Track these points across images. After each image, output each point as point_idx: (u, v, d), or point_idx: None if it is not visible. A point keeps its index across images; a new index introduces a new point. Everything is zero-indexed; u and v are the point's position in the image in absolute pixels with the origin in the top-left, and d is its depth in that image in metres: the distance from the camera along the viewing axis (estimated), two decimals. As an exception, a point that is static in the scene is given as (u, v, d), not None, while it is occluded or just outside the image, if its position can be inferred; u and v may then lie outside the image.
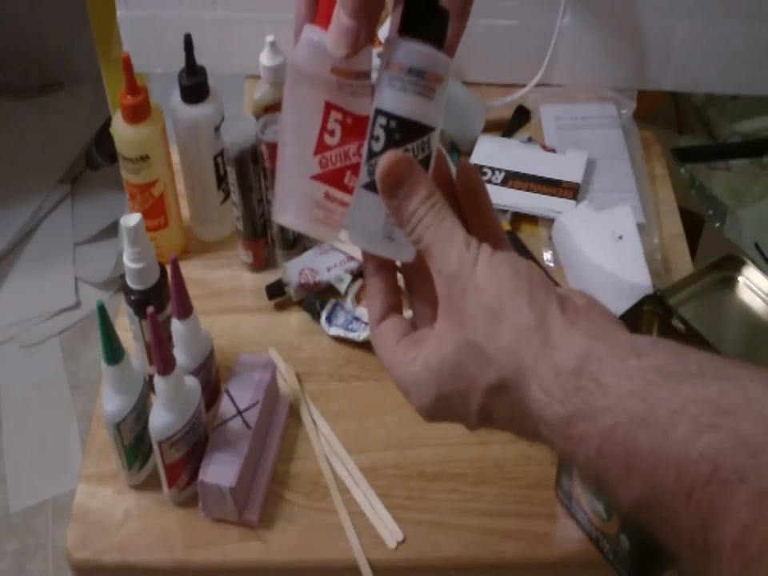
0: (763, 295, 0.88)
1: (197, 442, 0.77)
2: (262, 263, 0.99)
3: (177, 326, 0.78)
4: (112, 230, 2.04)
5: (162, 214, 0.95)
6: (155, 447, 0.75)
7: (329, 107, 0.49)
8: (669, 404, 0.39)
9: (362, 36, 0.46)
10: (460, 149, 1.10)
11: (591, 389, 0.41)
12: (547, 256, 1.00)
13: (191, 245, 1.02)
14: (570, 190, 1.03)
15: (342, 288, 0.94)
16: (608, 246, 0.95)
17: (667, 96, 1.41)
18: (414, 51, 0.46)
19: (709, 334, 0.81)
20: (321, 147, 0.49)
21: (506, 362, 0.44)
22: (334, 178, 0.49)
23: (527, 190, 1.04)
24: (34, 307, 1.97)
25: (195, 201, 1.00)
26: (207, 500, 0.77)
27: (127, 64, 0.86)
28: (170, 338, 0.79)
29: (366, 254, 0.51)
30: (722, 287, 0.89)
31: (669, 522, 0.39)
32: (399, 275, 0.52)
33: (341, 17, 0.46)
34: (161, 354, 0.71)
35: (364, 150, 0.48)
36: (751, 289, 0.89)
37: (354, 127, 0.49)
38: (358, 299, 0.94)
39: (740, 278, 0.90)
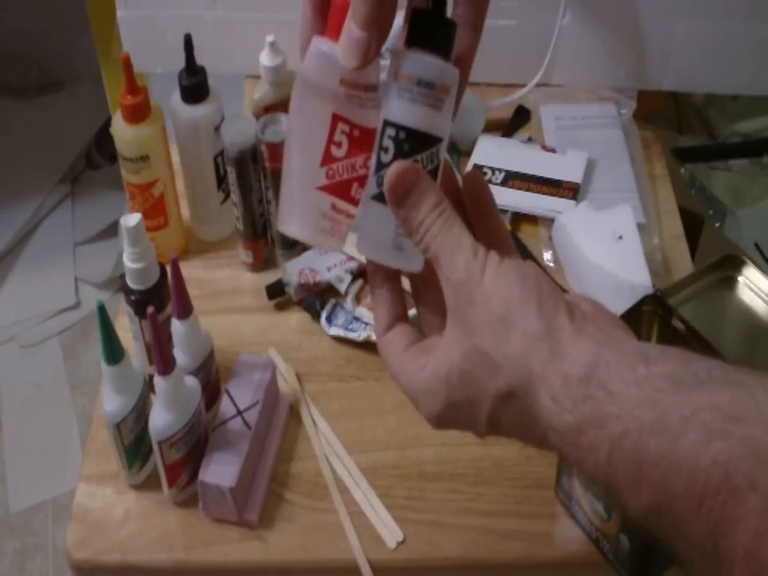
0: (763, 295, 0.88)
1: (197, 441, 0.77)
2: (261, 263, 0.99)
3: (177, 326, 0.78)
4: (112, 229, 2.04)
5: (162, 214, 0.95)
6: (155, 447, 0.75)
7: (336, 119, 0.49)
8: (679, 411, 0.39)
9: (373, 48, 0.46)
10: (460, 149, 1.10)
11: (600, 397, 0.41)
12: (547, 256, 1.00)
13: (191, 245, 1.02)
14: (570, 190, 1.03)
15: (342, 288, 0.94)
16: (608, 245, 0.95)
17: (667, 96, 1.41)
18: (423, 63, 0.46)
19: (709, 334, 0.81)
20: (327, 159, 0.49)
21: (515, 370, 0.44)
22: (340, 190, 0.50)
23: (527, 190, 1.04)
24: (34, 307, 1.97)
25: (195, 201, 1.00)
26: (207, 500, 0.77)
27: (127, 64, 0.86)
28: (169, 337, 0.79)
29: (372, 265, 0.51)
30: (722, 287, 0.89)
31: (679, 528, 0.39)
32: (405, 279, 0.53)
33: (352, 28, 0.45)
34: (161, 354, 0.71)
35: (372, 161, 0.48)
36: (751, 289, 0.89)
37: (361, 140, 0.49)
38: (358, 299, 0.94)
39: (740, 278, 0.89)
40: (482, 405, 0.46)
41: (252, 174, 0.92)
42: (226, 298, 0.97)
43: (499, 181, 1.05)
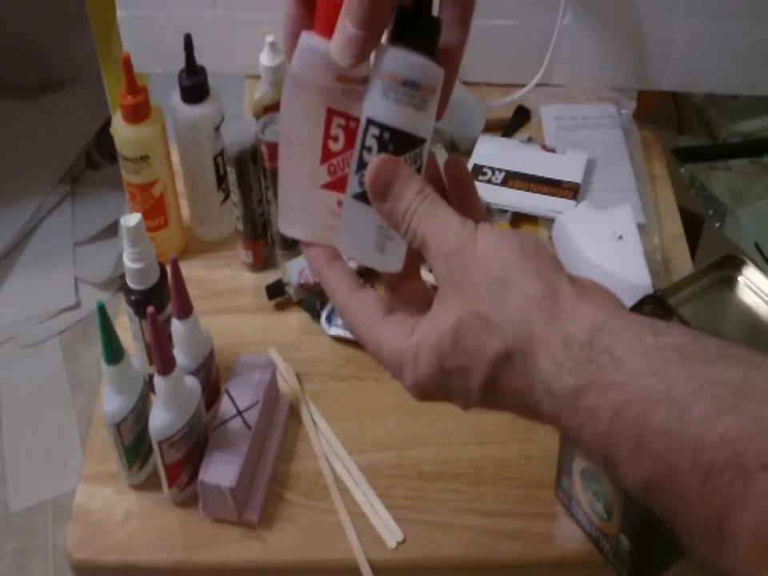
0: (763, 295, 0.88)
1: (197, 441, 0.77)
2: (261, 263, 0.99)
3: (177, 326, 0.78)
4: (112, 229, 2.04)
5: (162, 214, 0.95)
6: (155, 447, 0.75)
7: (331, 113, 0.48)
8: (687, 384, 0.38)
9: (369, 46, 0.45)
10: (460, 149, 1.10)
11: (604, 362, 0.40)
12: (547, 256, 1.00)
13: (191, 245, 1.02)
14: (570, 190, 1.03)
15: (341, 288, 0.94)
16: (608, 245, 0.95)
17: (667, 96, 1.41)
18: (409, 62, 0.45)
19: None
20: (327, 154, 0.49)
21: (515, 331, 0.42)
22: (344, 185, 0.49)
23: (527, 190, 1.04)
24: (34, 307, 1.97)
25: (195, 201, 1.00)
26: (207, 500, 0.77)
27: (127, 64, 0.86)
28: (170, 337, 0.79)
29: (310, 245, 0.50)
30: (722, 287, 0.89)
31: (680, 506, 0.38)
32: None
33: (347, 26, 0.44)
34: (161, 354, 0.71)
35: (353, 160, 0.47)
36: (751, 289, 0.89)
37: (357, 131, 0.49)
38: (357, 299, 0.94)
39: (740, 278, 0.90)
40: (476, 371, 0.44)
41: (252, 173, 0.92)
42: (226, 297, 0.97)
43: (499, 181, 1.05)
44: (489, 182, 1.04)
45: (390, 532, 0.78)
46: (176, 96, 0.93)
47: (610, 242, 0.96)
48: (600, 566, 0.75)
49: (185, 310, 0.78)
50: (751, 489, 0.35)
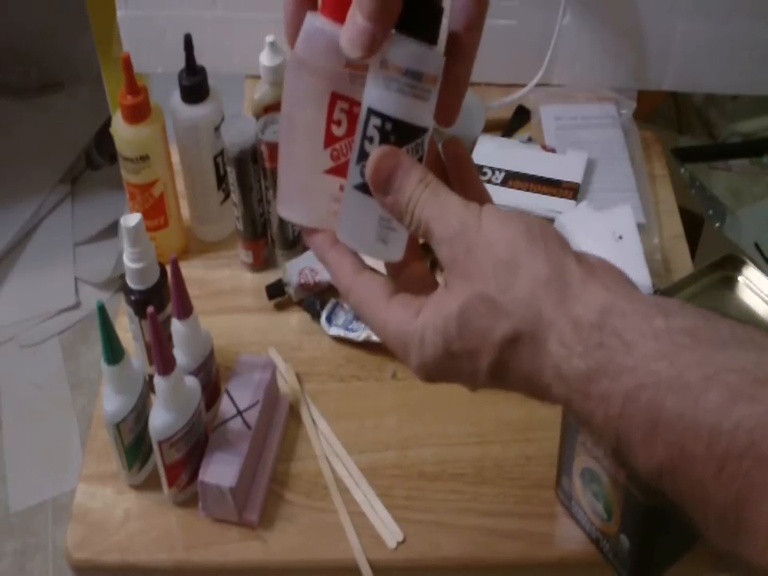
0: (763, 295, 0.88)
1: (197, 442, 0.77)
2: (261, 263, 0.99)
3: (177, 326, 0.78)
4: (112, 229, 2.04)
5: (162, 214, 0.95)
6: (155, 447, 0.75)
7: (335, 97, 0.47)
8: (701, 369, 0.37)
9: (379, 38, 0.44)
10: (460, 149, 1.10)
11: (614, 345, 0.40)
12: (547, 256, 1.00)
13: (191, 245, 1.02)
14: (570, 190, 1.03)
15: (341, 288, 0.94)
16: (608, 245, 0.95)
17: (667, 96, 1.41)
18: (411, 52, 0.45)
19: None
20: (330, 139, 0.48)
21: (523, 313, 0.42)
22: (346, 170, 0.48)
23: (527, 190, 1.04)
24: (34, 307, 1.97)
25: (195, 201, 1.00)
26: (207, 500, 0.77)
27: (127, 64, 0.86)
28: (169, 337, 0.79)
29: (313, 230, 0.50)
30: (722, 287, 0.89)
31: (695, 490, 0.38)
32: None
33: (357, 18, 0.43)
34: (161, 354, 0.71)
35: (354, 150, 0.47)
36: (751, 289, 0.89)
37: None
38: (357, 299, 0.94)
39: (740, 278, 0.89)
40: (483, 354, 0.43)
41: (252, 173, 0.92)
42: (225, 297, 0.97)
43: (499, 181, 1.05)
44: (489, 182, 1.04)
45: (389, 532, 0.78)
46: (176, 96, 0.93)
47: (610, 242, 0.96)
48: (600, 566, 0.75)
49: (185, 309, 0.78)
50: None
